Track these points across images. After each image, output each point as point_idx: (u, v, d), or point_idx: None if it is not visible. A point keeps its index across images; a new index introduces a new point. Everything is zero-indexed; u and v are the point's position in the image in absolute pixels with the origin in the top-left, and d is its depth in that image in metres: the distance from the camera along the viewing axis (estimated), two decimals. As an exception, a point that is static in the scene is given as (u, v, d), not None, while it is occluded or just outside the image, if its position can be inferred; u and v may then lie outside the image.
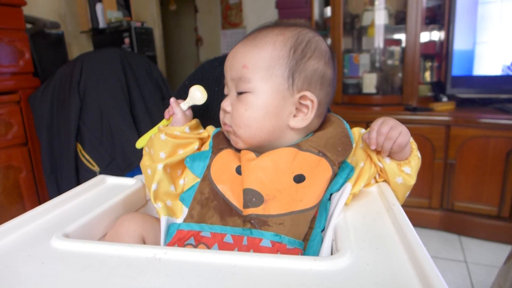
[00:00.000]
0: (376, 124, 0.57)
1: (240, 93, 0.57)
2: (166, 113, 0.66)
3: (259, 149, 0.58)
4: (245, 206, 0.51)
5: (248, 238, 0.48)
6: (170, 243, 0.52)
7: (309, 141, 0.56)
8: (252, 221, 0.49)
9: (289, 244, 0.48)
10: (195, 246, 0.50)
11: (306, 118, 0.57)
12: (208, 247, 0.49)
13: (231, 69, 0.58)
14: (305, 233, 0.49)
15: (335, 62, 0.61)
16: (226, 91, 0.61)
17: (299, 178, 0.53)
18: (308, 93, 0.56)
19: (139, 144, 0.67)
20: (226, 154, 0.59)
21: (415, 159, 0.60)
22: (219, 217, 0.52)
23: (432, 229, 1.92)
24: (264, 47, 0.55)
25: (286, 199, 0.51)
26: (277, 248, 0.47)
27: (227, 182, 0.55)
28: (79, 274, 0.40)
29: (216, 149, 0.61)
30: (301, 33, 0.57)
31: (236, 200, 0.53)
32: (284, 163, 0.53)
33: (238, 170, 0.56)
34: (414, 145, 0.60)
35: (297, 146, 0.56)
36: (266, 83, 0.55)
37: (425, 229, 1.92)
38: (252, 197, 0.51)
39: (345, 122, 0.61)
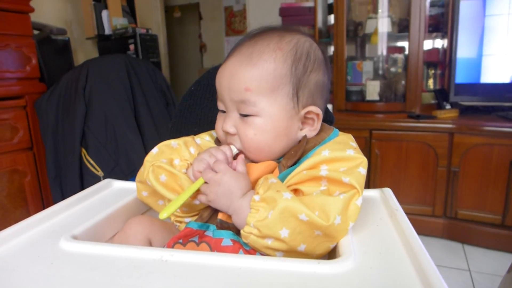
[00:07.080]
0: None
1: (244, 115, 0.54)
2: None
3: None
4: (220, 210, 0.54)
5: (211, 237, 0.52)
6: (175, 236, 0.53)
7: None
8: (218, 224, 0.53)
9: (245, 246, 0.50)
10: (198, 244, 0.52)
11: (313, 129, 0.57)
12: (210, 246, 0.51)
13: (230, 90, 0.54)
14: None
15: (329, 65, 0.60)
16: (220, 106, 0.58)
17: None
18: (313, 108, 0.56)
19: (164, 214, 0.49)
20: None
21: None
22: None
23: (435, 237, 1.91)
24: (265, 66, 0.52)
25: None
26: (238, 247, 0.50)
27: None
28: (87, 275, 0.41)
29: None
30: (298, 45, 0.54)
31: None
32: (260, 175, 0.54)
33: None
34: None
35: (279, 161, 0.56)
36: (272, 105, 0.53)
37: (428, 237, 1.92)
38: None
39: (336, 131, 0.59)
